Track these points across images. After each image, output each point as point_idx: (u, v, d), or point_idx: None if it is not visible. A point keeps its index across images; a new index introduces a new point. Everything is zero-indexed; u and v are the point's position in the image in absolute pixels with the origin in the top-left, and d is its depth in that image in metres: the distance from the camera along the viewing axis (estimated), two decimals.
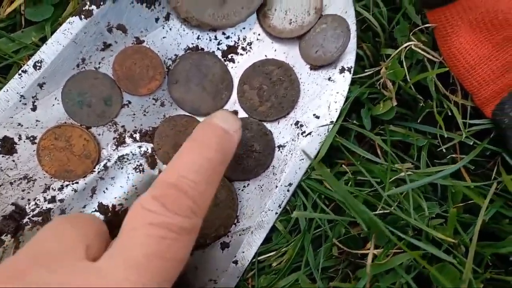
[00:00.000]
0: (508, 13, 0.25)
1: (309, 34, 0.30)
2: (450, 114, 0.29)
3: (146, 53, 0.29)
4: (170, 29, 0.30)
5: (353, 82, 0.31)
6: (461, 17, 0.25)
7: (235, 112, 0.30)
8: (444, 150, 0.27)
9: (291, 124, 0.30)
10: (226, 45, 0.31)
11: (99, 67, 0.29)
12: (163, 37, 0.30)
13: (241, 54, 0.31)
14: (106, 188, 0.30)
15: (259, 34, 0.31)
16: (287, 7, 0.30)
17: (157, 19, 0.30)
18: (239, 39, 0.31)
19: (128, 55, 0.29)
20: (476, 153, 0.27)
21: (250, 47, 0.31)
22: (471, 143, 0.27)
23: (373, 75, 0.30)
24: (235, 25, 0.30)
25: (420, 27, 0.28)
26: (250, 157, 0.30)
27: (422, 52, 0.28)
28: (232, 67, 0.31)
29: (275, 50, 0.31)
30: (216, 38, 0.31)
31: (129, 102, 0.30)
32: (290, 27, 0.30)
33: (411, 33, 0.28)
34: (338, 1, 0.30)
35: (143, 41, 0.30)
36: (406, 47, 0.28)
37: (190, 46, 0.31)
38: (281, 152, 0.30)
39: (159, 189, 0.21)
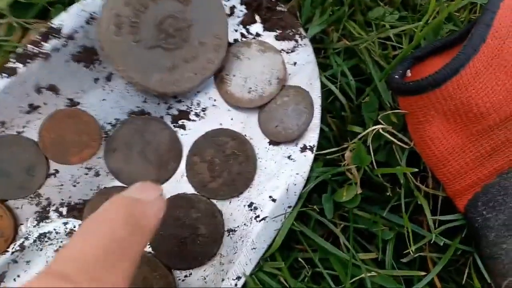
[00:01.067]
0: (482, 106, 0.22)
1: (269, 106, 0.27)
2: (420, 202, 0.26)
3: (80, 117, 0.26)
4: (112, 90, 0.26)
5: (316, 159, 0.28)
6: (435, 107, 0.23)
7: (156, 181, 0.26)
8: (412, 251, 0.24)
9: (244, 206, 0.27)
10: (177, 110, 0.27)
11: (22, 132, 0.25)
12: (103, 99, 0.26)
13: (193, 120, 0.28)
14: (18, 275, 0.25)
15: (215, 100, 0.28)
16: (247, 73, 0.27)
17: (96, 80, 0.26)
18: (192, 103, 0.28)
19: (59, 119, 0.25)
20: (447, 258, 0.24)
21: (204, 113, 0.28)
22: (441, 244, 0.24)
23: (338, 153, 0.27)
24: (186, 92, 0.26)
25: (388, 112, 0.25)
26: (195, 241, 0.26)
27: (391, 138, 0.25)
28: (182, 135, 0.27)
29: (232, 119, 0.28)
30: (166, 102, 0.27)
31: (57, 171, 0.26)
32: (249, 96, 0.27)
33: (379, 116, 0.25)
34: (303, 71, 0.28)
35: (78, 103, 0.26)
36: (373, 130, 0.25)
37: (135, 110, 0.27)
38: (231, 237, 0.26)
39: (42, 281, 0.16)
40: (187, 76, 0.26)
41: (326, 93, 0.29)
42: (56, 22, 0.24)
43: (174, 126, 0.27)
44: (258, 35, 0.28)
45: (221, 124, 0.28)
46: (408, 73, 0.24)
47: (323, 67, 0.30)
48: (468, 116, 0.23)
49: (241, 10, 0.28)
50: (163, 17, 0.24)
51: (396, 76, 0.23)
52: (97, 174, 0.27)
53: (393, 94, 0.26)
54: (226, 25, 0.26)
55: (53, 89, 0.25)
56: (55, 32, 0.24)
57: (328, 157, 0.28)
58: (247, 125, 0.28)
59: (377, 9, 0.33)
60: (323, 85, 0.28)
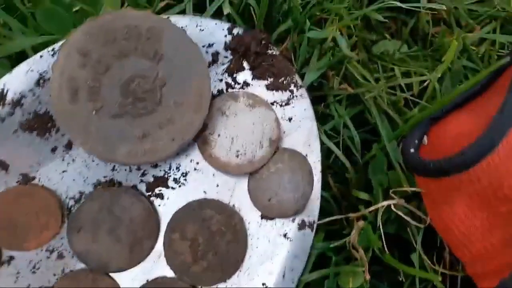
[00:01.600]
0: None
1: (261, 173, 0.23)
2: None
3: (36, 194, 0.21)
4: (74, 160, 0.22)
5: (316, 230, 0.24)
6: (458, 189, 0.19)
7: None
8: None
9: None
10: (153, 176, 0.23)
11: None
12: (63, 171, 0.22)
13: (172, 188, 0.24)
14: None
15: (197, 163, 0.24)
16: (234, 133, 0.23)
17: (54, 149, 0.22)
18: (170, 168, 0.24)
19: (10, 199, 0.21)
20: None
21: (185, 179, 0.24)
22: None
23: (342, 224, 0.24)
24: (163, 160, 0.22)
25: (402, 189, 0.21)
26: None
27: (405, 216, 0.21)
28: (159, 205, 0.24)
29: (218, 185, 0.24)
30: (139, 168, 0.23)
31: (11, 258, 0.22)
32: (237, 161, 0.23)
33: (391, 190, 0.21)
34: (300, 129, 0.24)
35: (34, 177, 0.22)
36: (383, 206, 0.21)
37: (102, 180, 0.23)
38: None
39: None
40: (162, 144, 0.22)
41: (327, 149, 0.25)
42: None
43: (149, 195, 0.23)
44: (246, 84, 0.24)
45: (205, 192, 0.24)
46: (425, 140, 0.21)
47: (322, 118, 0.26)
48: (496, 196, 0.19)
49: (225, 57, 0.24)
50: (129, 77, 0.20)
51: (412, 150, 0.19)
52: (60, 257, 0.23)
53: (410, 172, 0.22)
54: (207, 80, 0.22)
55: (1, 165, 0.21)
56: None
57: (330, 227, 0.24)
58: (235, 193, 0.24)
59: (382, 43, 0.29)
60: (323, 143, 0.24)
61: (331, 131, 0.25)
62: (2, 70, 0.21)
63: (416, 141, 0.20)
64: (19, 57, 0.22)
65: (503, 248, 0.21)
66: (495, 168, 0.18)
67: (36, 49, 0.22)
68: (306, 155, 0.23)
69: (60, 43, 0.20)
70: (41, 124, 0.21)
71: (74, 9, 0.21)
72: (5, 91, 0.20)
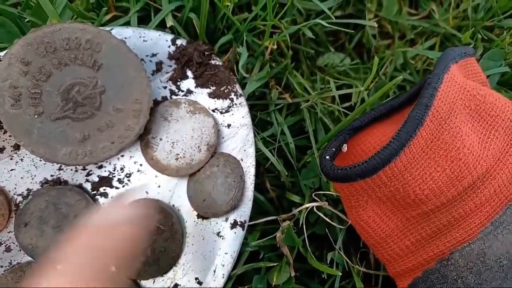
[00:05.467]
0: (420, 194, 0.20)
1: (198, 175, 0.25)
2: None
3: None
4: (22, 159, 0.24)
5: (252, 229, 0.26)
6: (367, 193, 0.21)
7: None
8: None
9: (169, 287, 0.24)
10: (98, 176, 0.25)
11: None
12: (11, 170, 0.24)
13: (116, 188, 0.25)
14: None
15: (141, 165, 0.25)
16: (175, 137, 0.25)
17: (2, 149, 0.23)
18: (115, 169, 0.25)
19: None
20: None
21: (129, 180, 0.25)
22: None
23: (279, 225, 0.25)
24: (103, 161, 0.24)
25: (320, 192, 0.23)
26: None
27: (325, 218, 0.23)
28: (103, 204, 0.25)
29: (159, 186, 0.25)
30: (84, 168, 0.25)
31: None
32: (176, 164, 0.25)
33: (313, 193, 0.23)
34: (237, 135, 0.25)
35: None
36: (307, 208, 0.23)
37: (49, 178, 0.24)
38: None
39: None
40: (102, 146, 0.23)
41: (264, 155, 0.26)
42: None
43: (94, 194, 0.25)
44: (190, 92, 0.26)
45: (147, 192, 0.25)
46: (344, 148, 0.22)
47: (264, 124, 0.28)
48: (406, 201, 0.21)
49: (169, 65, 0.26)
50: (69, 84, 0.22)
51: (327, 157, 0.21)
52: (8, 250, 0.24)
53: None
54: (147, 88, 0.23)
55: None
56: None
57: (266, 226, 0.26)
58: (176, 193, 0.25)
59: (327, 55, 0.30)
60: (259, 150, 0.26)
61: (270, 138, 0.27)
62: None
63: (334, 149, 0.22)
64: None
65: (416, 249, 0.23)
66: (400, 175, 0.20)
67: None
68: (241, 159, 0.25)
69: (3, 52, 0.22)
70: None
71: (25, 20, 0.23)
72: None
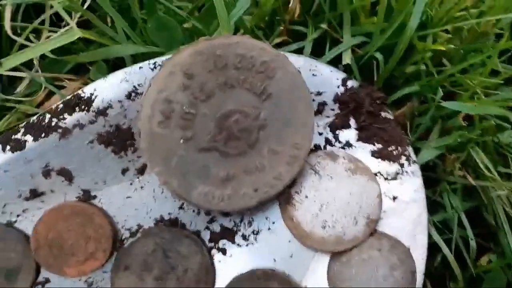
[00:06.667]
0: None
1: (348, 256, 0.19)
2: None
3: (92, 217, 0.19)
4: (142, 187, 0.20)
5: None
6: None
7: None
8: None
9: None
10: (221, 225, 0.20)
11: (15, 222, 0.19)
12: (128, 197, 0.20)
13: (238, 245, 0.20)
14: None
15: (273, 223, 0.20)
16: (325, 199, 0.20)
17: (125, 170, 0.19)
18: (241, 220, 0.20)
19: (64, 215, 0.19)
20: None
21: (255, 238, 0.20)
22: None
23: None
24: (237, 210, 0.19)
25: None
26: None
27: None
28: (220, 261, 0.20)
29: (291, 256, 0.20)
30: (208, 213, 0.20)
31: (47, 281, 0.19)
32: (322, 233, 0.19)
33: None
34: (406, 214, 0.19)
35: (95, 196, 0.19)
36: None
37: (166, 217, 0.20)
38: None
39: None
40: (243, 193, 0.18)
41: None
42: (87, 90, 0.18)
43: (211, 247, 0.20)
44: (349, 145, 0.21)
45: (275, 260, 0.20)
46: None
47: (430, 205, 0.22)
48: None
49: (332, 109, 0.21)
50: (228, 111, 0.18)
51: None
52: None
53: None
54: (311, 133, 0.19)
55: (65, 174, 0.19)
56: (84, 104, 0.18)
57: None
58: (311, 272, 0.19)
59: (508, 132, 0.24)
60: (430, 237, 0.20)
61: (439, 223, 0.21)
62: (98, 73, 0.20)
63: None
64: (116, 64, 0.20)
65: None
66: None
67: (136, 59, 0.21)
68: (409, 248, 0.19)
69: (163, 58, 0.19)
70: (119, 140, 0.19)
71: (185, 25, 0.19)
72: (93, 96, 0.18)
